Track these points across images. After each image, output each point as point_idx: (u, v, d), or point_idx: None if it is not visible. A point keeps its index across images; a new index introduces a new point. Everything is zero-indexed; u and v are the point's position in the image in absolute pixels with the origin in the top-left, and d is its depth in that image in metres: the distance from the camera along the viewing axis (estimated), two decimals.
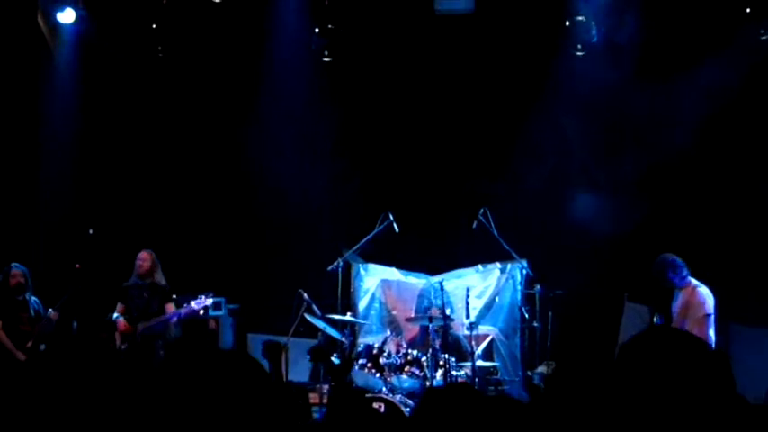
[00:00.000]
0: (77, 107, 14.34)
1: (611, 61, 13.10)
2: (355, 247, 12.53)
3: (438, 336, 11.51)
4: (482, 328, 12.40)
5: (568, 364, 11.60)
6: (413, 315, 12.80)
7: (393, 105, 14.41)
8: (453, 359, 11.17)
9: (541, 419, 3.61)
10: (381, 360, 11.00)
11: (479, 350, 11.73)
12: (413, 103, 14.34)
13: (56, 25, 14.02)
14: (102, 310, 12.13)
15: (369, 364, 11.04)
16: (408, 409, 10.04)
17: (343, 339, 11.66)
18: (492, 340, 12.75)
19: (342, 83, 14.42)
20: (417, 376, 10.92)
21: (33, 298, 11.86)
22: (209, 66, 14.51)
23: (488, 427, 3.34)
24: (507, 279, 13.11)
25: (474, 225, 12.36)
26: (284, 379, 11.71)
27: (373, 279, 13.56)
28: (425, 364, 10.97)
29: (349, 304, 12.90)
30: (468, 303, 11.94)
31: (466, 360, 11.50)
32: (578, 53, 13.49)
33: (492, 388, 11.73)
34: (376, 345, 11.30)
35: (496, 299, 13.12)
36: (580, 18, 13.36)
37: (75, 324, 12.57)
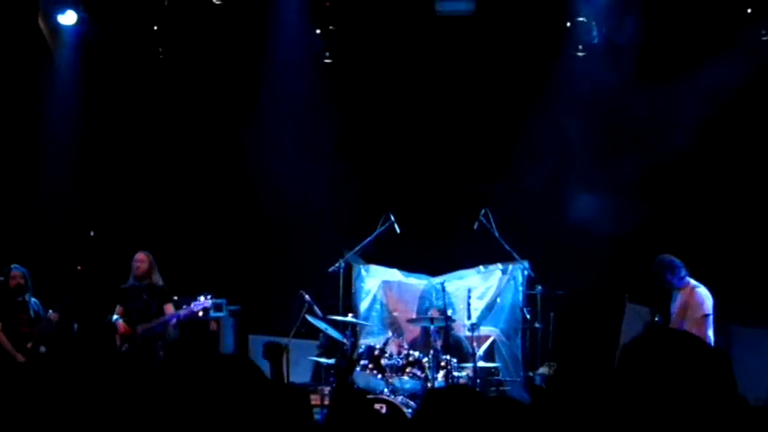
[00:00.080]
0: (78, 109, 14.33)
1: (612, 62, 13.11)
2: (356, 249, 12.54)
3: (439, 337, 11.51)
4: (483, 329, 12.40)
5: (570, 365, 11.62)
6: (414, 316, 12.81)
7: (394, 106, 14.42)
8: (455, 360, 11.17)
9: (543, 421, 3.61)
10: (383, 361, 10.99)
11: (481, 351, 11.72)
12: (413, 105, 14.35)
13: (57, 27, 14.03)
14: (102, 312, 12.12)
15: (370, 366, 11.04)
16: (410, 411, 10.04)
17: (345, 341, 11.67)
18: (493, 341, 12.76)
19: (342, 84, 14.42)
20: (419, 377, 10.92)
21: (33, 299, 11.86)
22: (210, 67, 14.51)
23: (490, 428, 3.34)
24: (509, 280, 13.12)
25: (475, 226, 12.36)
26: (285, 380, 11.70)
27: (374, 280, 13.57)
28: (427, 365, 10.97)
29: (350, 305, 12.91)
30: (469, 304, 11.95)
31: (467, 361, 11.50)
32: (579, 54, 13.50)
33: (493, 389, 11.73)
34: (377, 346, 11.30)
35: (498, 300, 13.13)
36: (581, 19, 13.38)
37: (75, 326, 12.58)
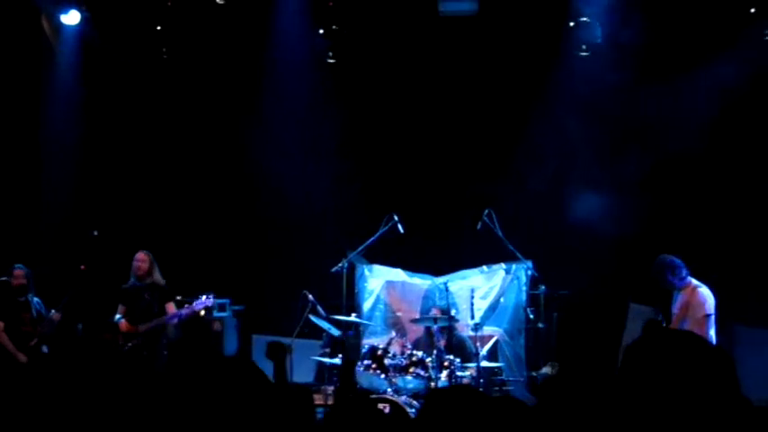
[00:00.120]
0: (80, 109, 14.34)
1: (615, 62, 13.10)
2: (360, 248, 12.54)
3: (442, 336, 11.51)
4: (487, 329, 12.42)
5: (572, 365, 11.62)
6: (417, 316, 12.81)
7: (397, 106, 14.42)
8: (458, 360, 11.18)
9: (546, 420, 3.61)
10: (386, 361, 11.00)
11: (484, 351, 11.72)
12: (417, 105, 14.34)
13: (59, 27, 14.04)
14: (106, 312, 12.12)
15: (373, 365, 11.04)
16: (413, 411, 10.04)
17: (344, 337, 11.68)
18: (496, 341, 12.76)
19: (345, 84, 14.43)
20: (422, 377, 10.92)
21: (36, 299, 11.86)
22: (213, 67, 14.51)
23: (493, 428, 3.34)
24: (512, 280, 13.12)
25: (479, 226, 12.36)
26: (288, 380, 11.70)
27: (378, 280, 13.58)
28: (430, 365, 10.97)
29: (353, 305, 12.93)
30: (472, 304, 11.96)
31: (470, 361, 11.50)
32: (582, 54, 13.50)
33: (496, 389, 11.73)
34: (380, 346, 11.30)
35: (501, 300, 13.14)
36: (584, 19, 13.37)
37: (79, 326, 12.59)
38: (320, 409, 11.65)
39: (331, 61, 14.34)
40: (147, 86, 14.62)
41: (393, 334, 11.93)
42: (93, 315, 12.55)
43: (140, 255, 11.97)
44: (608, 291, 12.94)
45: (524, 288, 12.94)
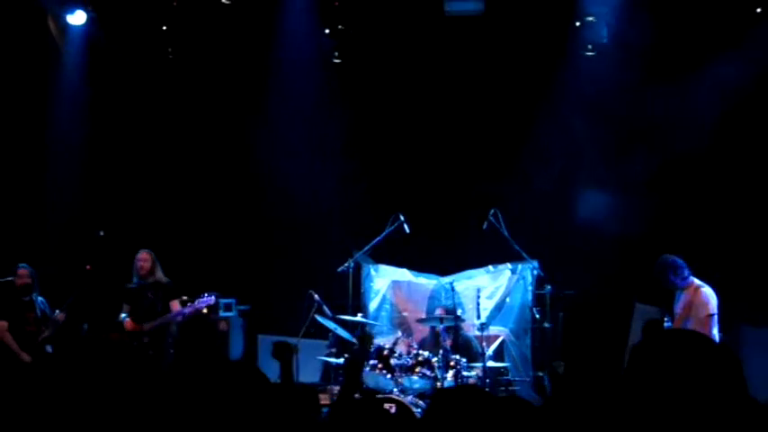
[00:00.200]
0: (86, 108, 14.35)
1: (621, 62, 13.09)
2: (366, 248, 12.55)
3: (449, 336, 11.51)
4: (493, 329, 12.40)
5: (579, 364, 11.61)
6: (423, 316, 12.81)
7: (403, 106, 14.41)
8: (464, 360, 11.16)
9: (552, 420, 3.60)
10: (392, 361, 10.99)
11: (490, 351, 11.70)
12: (422, 105, 14.34)
13: (65, 27, 14.06)
14: (112, 312, 12.13)
15: (379, 365, 11.04)
16: (419, 410, 10.03)
17: (354, 340, 11.67)
18: (503, 341, 12.74)
19: (351, 84, 14.43)
20: (428, 377, 10.91)
21: (40, 298, 11.87)
22: (219, 67, 14.52)
23: (499, 428, 3.33)
24: (518, 280, 13.12)
25: (485, 226, 12.36)
26: (294, 380, 11.70)
27: (384, 280, 13.58)
28: (436, 364, 10.97)
29: (359, 305, 12.92)
30: (478, 304, 11.95)
31: (476, 361, 11.49)
32: (589, 54, 13.50)
33: (502, 389, 11.72)
34: (387, 346, 11.29)
35: (507, 299, 13.13)
36: (590, 19, 13.38)
37: (85, 326, 12.59)
38: (326, 409, 11.67)
39: (337, 61, 14.36)
40: (153, 86, 14.63)
41: (399, 334, 11.91)
42: (98, 315, 12.56)
43: (142, 254, 12.00)
44: (614, 291, 12.93)
45: (530, 288, 12.94)
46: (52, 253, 13.84)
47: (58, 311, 11.75)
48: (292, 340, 11.83)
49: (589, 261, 13.19)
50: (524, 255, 12.47)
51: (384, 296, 13.55)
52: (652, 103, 13.33)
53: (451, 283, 12.25)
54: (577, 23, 13.55)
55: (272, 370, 8.29)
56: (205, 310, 12.09)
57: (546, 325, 12.38)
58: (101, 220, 14.12)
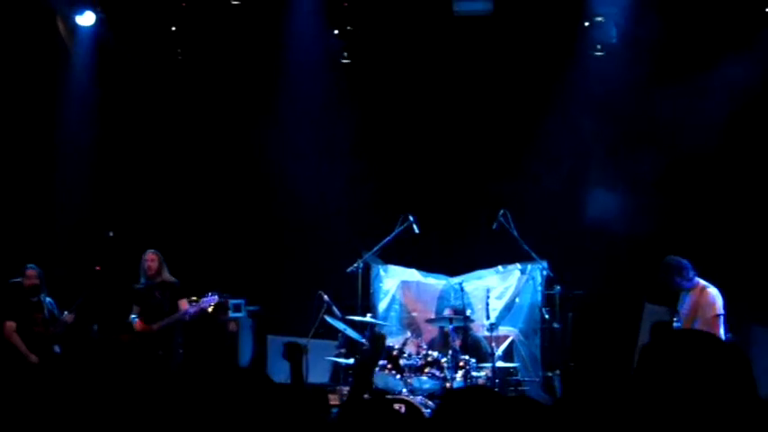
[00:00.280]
0: (95, 109, 14.36)
1: (630, 62, 13.08)
2: (375, 249, 12.56)
3: (458, 337, 11.51)
4: (502, 329, 12.40)
5: (588, 365, 11.60)
6: (433, 316, 12.81)
7: (411, 107, 14.41)
8: (473, 360, 11.16)
9: (562, 421, 3.60)
10: (401, 361, 11.00)
11: (500, 351, 11.70)
12: (431, 105, 14.33)
13: (74, 28, 14.07)
14: (121, 313, 12.15)
15: (389, 366, 11.05)
16: (429, 411, 10.03)
17: (363, 341, 11.67)
18: (512, 341, 12.75)
19: (360, 84, 14.42)
20: (437, 377, 10.91)
21: (48, 299, 11.86)
22: (228, 68, 14.52)
23: (508, 428, 3.34)
24: (527, 280, 13.13)
25: (494, 226, 12.37)
26: (304, 380, 11.71)
27: (393, 280, 13.59)
28: (445, 365, 10.97)
29: (369, 306, 12.92)
30: (488, 304, 11.96)
31: (486, 361, 11.49)
32: (597, 54, 13.50)
33: (512, 389, 11.72)
34: (396, 346, 11.30)
35: (516, 300, 13.14)
36: (599, 19, 13.37)
37: (95, 327, 12.61)
38: (335, 410, 11.68)
39: (345, 62, 14.36)
40: (162, 87, 14.65)
41: (408, 334, 11.93)
42: (108, 316, 12.58)
43: (150, 254, 12.03)
44: (623, 291, 12.91)
45: (539, 288, 12.93)
46: (61, 254, 13.85)
47: (66, 312, 11.75)
48: (302, 341, 11.85)
49: (598, 261, 13.18)
50: (534, 255, 12.47)
51: (393, 296, 13.56)
52: (661, 103, 13.32)
53: (461, 284, 12.25)
54: (586, 23, 13.54)
55: (282, 371, 8.30)
56: (210, 309, 12.10)
57: (555, 325, 12.38)
58: (110, 221, 14.14)
